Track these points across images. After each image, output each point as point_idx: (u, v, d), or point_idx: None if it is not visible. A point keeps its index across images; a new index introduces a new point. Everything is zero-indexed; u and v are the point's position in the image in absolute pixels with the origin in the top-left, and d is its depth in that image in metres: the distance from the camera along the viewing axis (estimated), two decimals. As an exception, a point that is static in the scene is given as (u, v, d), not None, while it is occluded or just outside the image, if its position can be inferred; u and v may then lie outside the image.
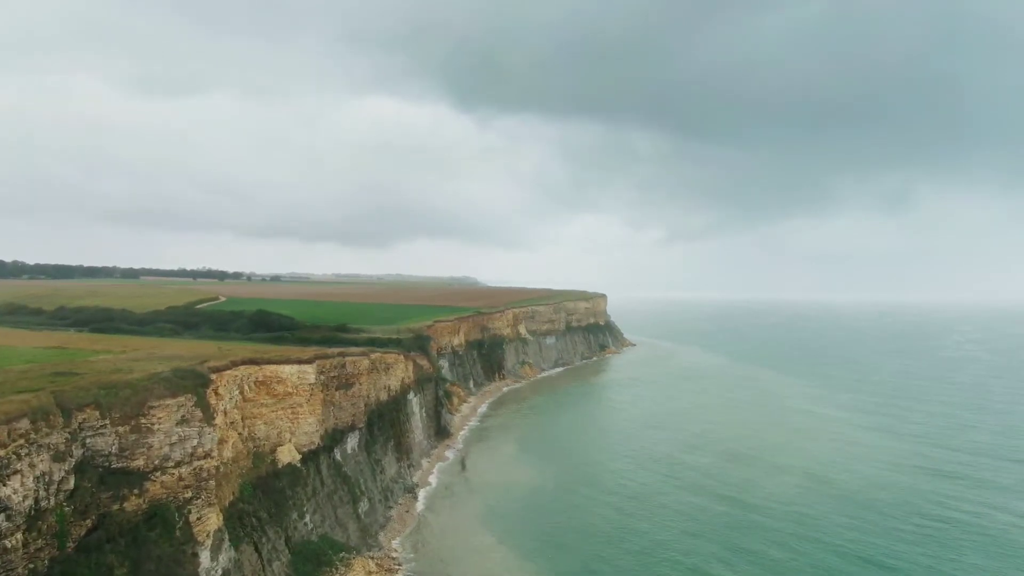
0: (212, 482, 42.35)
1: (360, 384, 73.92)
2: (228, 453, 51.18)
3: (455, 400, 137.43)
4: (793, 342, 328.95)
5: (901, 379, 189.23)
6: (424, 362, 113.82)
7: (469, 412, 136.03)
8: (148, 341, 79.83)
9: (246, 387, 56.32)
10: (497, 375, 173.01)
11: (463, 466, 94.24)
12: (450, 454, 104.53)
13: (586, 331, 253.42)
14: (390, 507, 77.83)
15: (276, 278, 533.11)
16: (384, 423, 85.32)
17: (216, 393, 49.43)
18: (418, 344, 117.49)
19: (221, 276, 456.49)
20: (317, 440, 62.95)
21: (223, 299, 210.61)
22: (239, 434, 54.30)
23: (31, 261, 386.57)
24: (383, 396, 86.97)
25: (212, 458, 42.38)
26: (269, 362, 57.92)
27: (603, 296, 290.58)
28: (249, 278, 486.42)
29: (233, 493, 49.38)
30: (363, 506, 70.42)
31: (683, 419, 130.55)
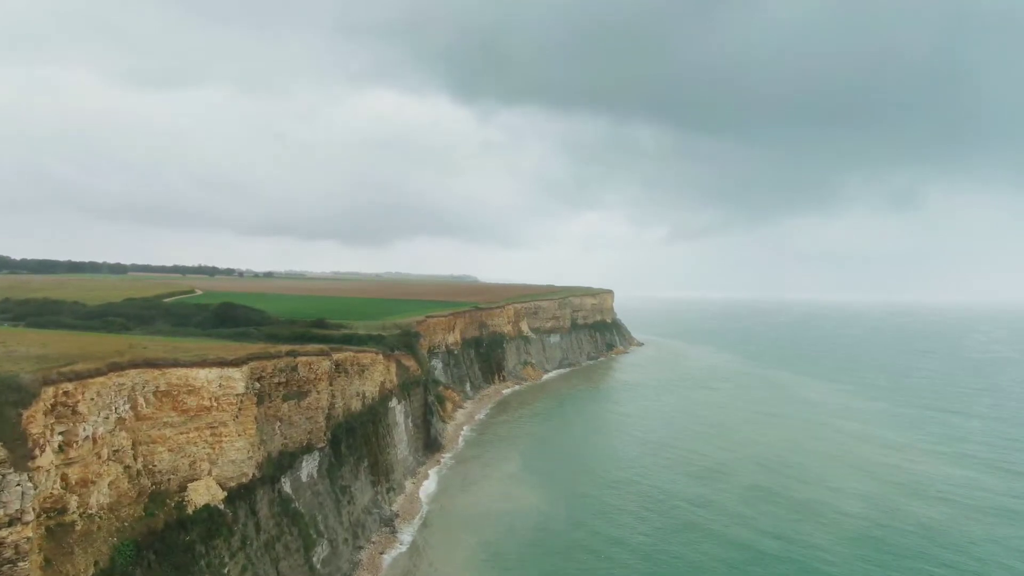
0: (26, 563, 25.84)
1: (318, 392, 57.36)
2: (101, 498, 34.78)
3: (449, 406, 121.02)
4: (809, 342, 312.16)
5: (940, 384, 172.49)
6: (411, 363, 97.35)
7: (464, 419, 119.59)
8: (56, 335, 63.21)
9: (141, 400, 39.86)
10: (497, 377, 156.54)
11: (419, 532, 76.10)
12: (436, 473, 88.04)
13: (592, 329, 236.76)
14: (360, 547, 61.34)
15: (269, 274, 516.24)
16: (356, 439, 68.83)
17: (73, 412, 32.98)
18: (405, 342, 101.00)
19: (212, 272, 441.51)
20: (251, 470, 46.41)
21: (199, 292, 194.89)
22: (125, 468, 37.82)
23: (23, 256, 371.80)
24: (355, 405, 70.47)
25: (25, 523, 25.85)
26: (176, 364, 41.37)
27: (610, 292, 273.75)
28: (241, 274, 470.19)
29: (97, 562, 32.87)
30: (320, 551, 53.93)
31: (708, 434, 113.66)
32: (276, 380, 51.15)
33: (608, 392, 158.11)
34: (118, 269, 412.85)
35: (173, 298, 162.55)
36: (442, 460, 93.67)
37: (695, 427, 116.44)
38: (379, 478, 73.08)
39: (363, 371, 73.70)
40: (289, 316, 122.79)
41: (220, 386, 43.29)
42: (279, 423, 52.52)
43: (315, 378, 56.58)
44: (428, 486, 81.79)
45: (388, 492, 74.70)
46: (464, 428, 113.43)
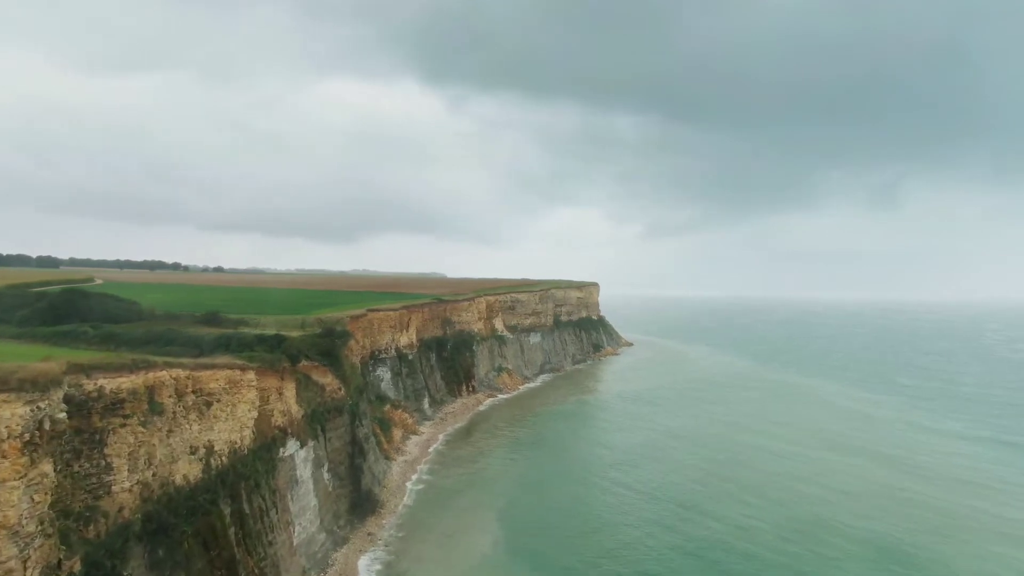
0: None
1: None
2: None
3: (397, 433, 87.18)
4: (819, 342, 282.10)
5: (998, 392, 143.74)
6: (328, 378, 63.11)
7: (419, 453, 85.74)
8: None
9: None
10: (465, 388, 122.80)
11: None
12: (365, 561, 53.89)
13: (577, 327, 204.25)
14: None
15: (219, 269, 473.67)
16: (176, 542, 34.67)
17: None
18: (321, 346, 66.34)
19: (152, 267, 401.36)
20: None
21: (100, 282, 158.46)
22: None
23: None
24: (184, 474, 36.33)
25: None
26: None
27: (596, 285, 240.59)
28: (187, 268, 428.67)
29: None
30: None
31: (761, 470, 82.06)
32: None
33: (607, 408, 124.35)
34: (49, 262, 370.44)
35: (47, 288, 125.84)
36: (378, 533, 59.65)
37: (735, 475, 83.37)
38: (238, 604, 38.92)
39: (208, 405, 39.49)
40: (175, 310, 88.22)
41: None
42: None
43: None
44: (342, 596, 47.87)
45: (258, 626, 40.61)
46: (417, 467, 79.69)
